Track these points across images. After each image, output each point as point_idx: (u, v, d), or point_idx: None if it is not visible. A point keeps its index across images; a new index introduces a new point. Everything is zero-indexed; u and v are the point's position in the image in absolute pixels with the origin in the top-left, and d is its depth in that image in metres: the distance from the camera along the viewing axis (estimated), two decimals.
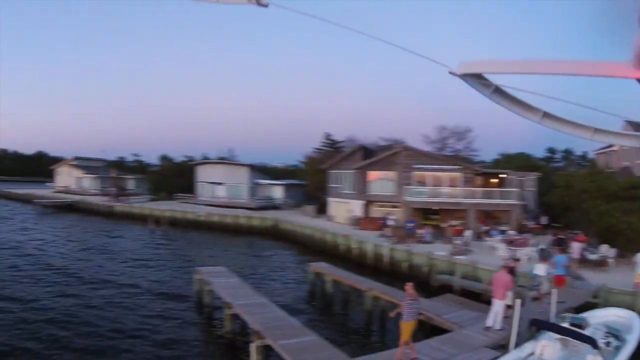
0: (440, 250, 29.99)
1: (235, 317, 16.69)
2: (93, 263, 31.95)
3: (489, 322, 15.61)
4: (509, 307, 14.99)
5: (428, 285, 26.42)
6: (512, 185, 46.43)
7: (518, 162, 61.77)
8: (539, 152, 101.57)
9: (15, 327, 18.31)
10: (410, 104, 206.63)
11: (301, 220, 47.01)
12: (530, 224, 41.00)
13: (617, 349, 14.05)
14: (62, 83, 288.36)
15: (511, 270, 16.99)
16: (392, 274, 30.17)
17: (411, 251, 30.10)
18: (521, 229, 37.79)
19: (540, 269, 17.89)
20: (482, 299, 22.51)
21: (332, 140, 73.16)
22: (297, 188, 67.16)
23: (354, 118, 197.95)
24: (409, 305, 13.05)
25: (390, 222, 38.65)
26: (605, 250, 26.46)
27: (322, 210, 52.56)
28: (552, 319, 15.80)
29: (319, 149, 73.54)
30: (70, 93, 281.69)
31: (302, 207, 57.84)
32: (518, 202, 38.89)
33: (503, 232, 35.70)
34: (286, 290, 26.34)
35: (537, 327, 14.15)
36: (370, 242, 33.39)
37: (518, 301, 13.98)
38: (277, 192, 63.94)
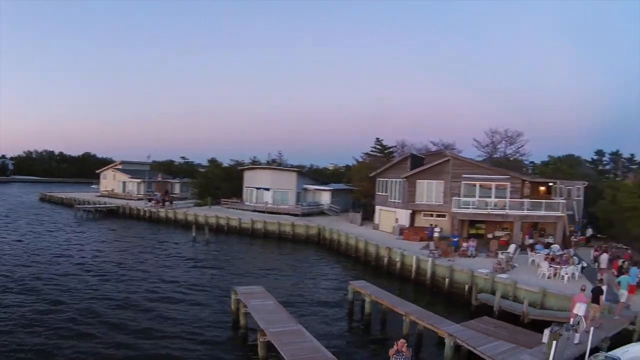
0: (483, 266, 29.83)
1: (269, 344, 16.80)
2: (126, 280, 31.70)
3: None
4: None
5: (468, 304, 26.26)
6: (560, 194, 45.63)
7: (566, 164, 60.56)
8: (587, 153, 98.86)
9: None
10: (463, 106, 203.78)
11: (346, 228, 47.12)
12: (576, 236, 39.97)
13: None
14: (114, 83, 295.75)
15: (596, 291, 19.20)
16: (433, 290, 30.17)
17: (453, 267, 29.71)
18: (566, 241, 37.15)
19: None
20: (520, 322, 22.44)
21: (383, 145, 73.01)
22: (345, 193, 67.38)
23: (406, 120, 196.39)
24: None
25: (436, 234, 38.46)
26: None
27: (367, 217, 52.67)
28: (588, 354, 15.64)
29: (370, 154, 73.58)
30: (119, 94, 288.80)
31: (348, 213, 57.84)
32: (565, 214, 38.04)
33: (549, 245, 35.10)
34: (325, 308, 26.27)
35: None
36: (414, 255, 33.19)
37: (554, 342, 13.75)
38: (324, 197, 64.24)
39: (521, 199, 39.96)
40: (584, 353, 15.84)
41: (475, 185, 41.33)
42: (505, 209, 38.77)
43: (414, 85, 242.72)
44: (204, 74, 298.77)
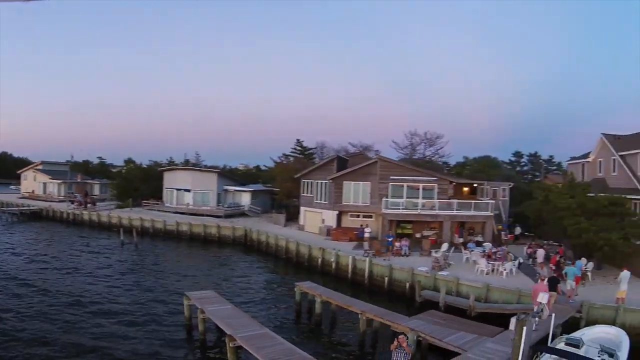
0: (419, 264, 30.39)
1: (239, 349, 16.24)
2: (56, 280, 30.64)
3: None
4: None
5: (410, 301, 26.65)
6: (486, 195, 47.47)
7: (484, 165, 63.13)
8: (505, 155, 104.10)
9: None
10: (380, 107, 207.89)
11: (271, 230, 46.62)
12: (506, 235, 41.92)
13: None
14: (29, 79, 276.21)
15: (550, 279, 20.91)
16: (371, 288, 30.27)
17: (392, 266, 30.07)
18: (496, 240, 38.67)
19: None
20: (468, 315, 23.20)
21: (303, 146, 73.06)
22: (264, 194, 66.62)
23: (323, 121, 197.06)
24: (403, 355, 14.00)
25: (366, 234, 38.51)
26: (584, 264, 27.25)
27: (290, 218, 52.42)
28: (550, 339, 17.01)
29: (290, 155, 73.37)
30: (33, 91, 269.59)
31: (269, 214, 57.47)
32: (493, 213, 39.60)
33: (479, 243, 36.43)
34: (271, 310, 25.80)
35: (542, 351, 15.34)
36: (350, 255, 33.26)
37: (524, 328, 14.32)
38: (245, 198, 63.16)
39: (448, 199, 41.19)
40: (542, 338, 17.03)
41: (402, 186, 42.08)
42: (435, 209, 39.82)
43: (331, 86, 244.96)
44: (113, 71, 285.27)
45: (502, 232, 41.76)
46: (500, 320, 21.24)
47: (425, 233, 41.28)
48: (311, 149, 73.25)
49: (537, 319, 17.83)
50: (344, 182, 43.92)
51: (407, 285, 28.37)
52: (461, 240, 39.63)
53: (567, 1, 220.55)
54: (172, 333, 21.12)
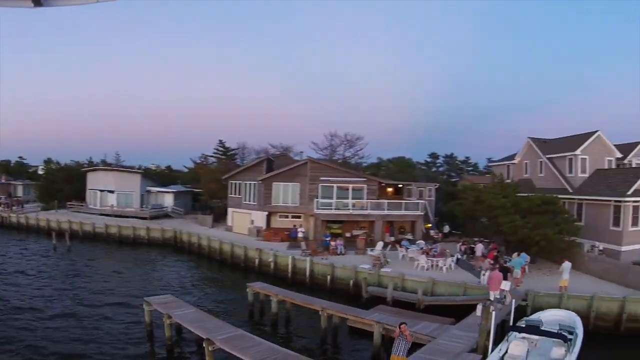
0: (358, 262, 31.36)
1: (218, 351, 16.19)
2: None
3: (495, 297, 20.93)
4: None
5: (356, 297, 27.30)
6: (413, 195, 49.36)
7: (399, 166, 65.48)
8: (421, 156, 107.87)
9: None
10: (299, 108, 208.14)
11: (201, 231, 46.10)
12: (435, 233, 43.86)
13: (572, 341, 16.92)
14: None
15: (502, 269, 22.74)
16: (313, 287, 30.65)
17: (334, 265, 30.80)
18: (425, 238, 40.39)
19: (507, 285, 20.68)
20: (417, 309, 24.25)
21: (226, 147, 72.51)
22: (186, 195, 65.60)
23: (243, 121, 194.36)
24: (404, 343, 14.37)
25: (300, 234, 39.34)
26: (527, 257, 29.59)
27: (216, 219, 52.16)
28: (512, 322, 18.75)
29: (212, 156, 72.72)
30: None
31: (194, 215, 56.82)
32: (422, 213, 41.32)
33: (412, 241, 37.94)
34: (222, 313, 25.04)
35: (513, 331, 17.18)
36: (289, 255, 33.57)
37: (493, 312, 16.49)
38: (167, 199, 61.70)
39: (377, 199, 42.55)
40: (502, 322, 19.25)
41: (332, 187, 42.95)
42: (367, 210, 40.95)
43: (249, 86, 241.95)
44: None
45: (432, 231, 43.60)
46: (448, 312, 22.56)
47: (355, 232, 42.31)
48: (233, 149, 72.92)
49: (501, 304, 19.37)
50: (274, 183, 44.22)
51: (351, 282, 29.13)
52: (392, 238, 40.85)
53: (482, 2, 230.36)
54: (134, 342, 20.33)
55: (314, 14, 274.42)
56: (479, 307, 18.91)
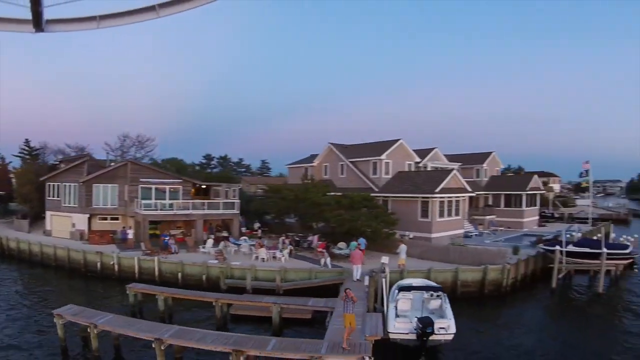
0: (200, 259, 34.04)
1: (173, 348, 17.91)
2: None
3: (356, 276, 26.75)
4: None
5: (214, 290, 28.87)
6: (221, 195, 53.23)
7: (175, 166, 68.74)
8: (196, 157, 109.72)
9: None
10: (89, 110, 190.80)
11: (20, 236, 44.53)
12: (254, 230, 48.26)
13: (443, 294, 22.70)
14: None
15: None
16: (163, 284, 31.27)
17: (184, 263, 32.92)
18: (240, 235, 44.24)
19: (385, 259, 27.04)
20: (277, 294, 28.04)
21: (31, 147, 67.64)
22: None
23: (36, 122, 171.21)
24: (351, 304, 17.44)
25: (129, 235, 40.47)
26: (345, 246, 36.01)
27: (32, 223, 50.02)
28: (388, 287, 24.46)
29: (18, 155, 67.44)
30: None
31: (3, 220, 53.84)
32: (238, 211, 45.40)
33: (226, 238, 41.64)
34: None
35: (399, 290, 22.71)
36: (135, 257, 34.61)
37: (383, 279, 23.18)
38: None
39: (192, 199, 45.53)
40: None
41: (151, 188, 44.83)
42: (189, 210, 43.26)
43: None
44: None
45: (242, 229, 47.89)
46: (306, 293, 26.35)
47: (173, 232, 43.96)
48: (38, 149, 68.49)
49: (383, 274, 25.16)
50: (94, 184, 44.28)
51: (204, 277, 31.68)
52: (212, 236, 43.18)
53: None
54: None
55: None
56: (367, 278, 24.79)
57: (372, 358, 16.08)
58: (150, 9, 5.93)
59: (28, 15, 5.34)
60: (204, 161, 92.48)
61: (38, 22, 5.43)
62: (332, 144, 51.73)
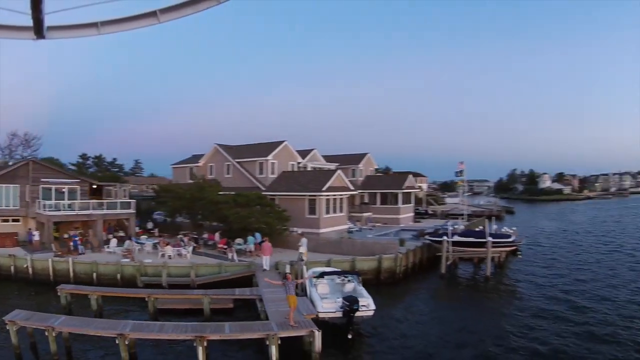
0: (107, 258, 35.51)
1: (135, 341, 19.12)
2: None
3: (265, 267, 30.95)
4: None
5: (130, 287, 30.75)
6: (114, 195, 54.64)
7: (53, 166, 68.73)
8: (73, 157, 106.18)
9: None
10: None
11: None
12: (149, 229, 50.00)
13: (356, 278, 25.73)
14: None
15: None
16: (80, 284, 31.81)
17: (97, 262, 33.99)
18: (136, 234, 46.01)
19: (304, 248, 31.77)
20: (192, 287, 30.75)
21: None
22: None
23: None
24: (292, 285, 19.84)
25: (35, 237, 40.98)
26: (242, 242, 39.42)
27: None
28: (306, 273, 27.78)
29: None
30: None
31: None
32: (134, 211, 46.93)
33: (122, 238, 43.31)
34: None
35: (318, 276, 25.08)
36: (49, 258, 34.92)
37: (303, 266, 27.79)
38: None
39: (89, 199, 46.38)
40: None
41: (51, 188, 45.47)
42: (90, 210, 43.85)
43: None
44: None
45: (136, 228, 49.66)
46: (219, 286, 28.73)
47: (72, 233, 43.70)
48: None
49: (302, 262, 29.75)
50: None
51: (119, 276, 32.90)
52: (111, 236, 44.03)
53: None
54: None
55: None
56: (288, 266, 29.00)
57: (320, 330, 18.48)
58: (152, 14, 5.88)
59: (29, 22, 5.29)
60: (80, 160, 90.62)
61: (39, 29, 5.40)
62: (218, 144, 54.11)
